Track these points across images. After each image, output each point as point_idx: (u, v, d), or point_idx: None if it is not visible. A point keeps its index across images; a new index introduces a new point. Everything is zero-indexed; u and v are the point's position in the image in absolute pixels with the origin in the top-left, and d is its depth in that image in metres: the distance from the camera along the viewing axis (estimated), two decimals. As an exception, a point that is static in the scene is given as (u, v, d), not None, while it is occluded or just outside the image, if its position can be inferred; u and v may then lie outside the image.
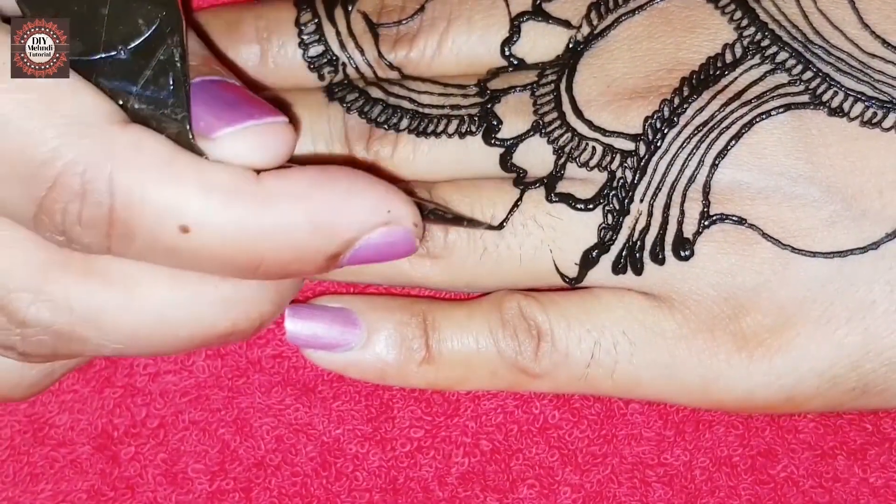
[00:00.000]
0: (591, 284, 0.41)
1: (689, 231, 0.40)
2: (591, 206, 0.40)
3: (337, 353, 0.41)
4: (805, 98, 0.40)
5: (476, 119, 0.42)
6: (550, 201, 0.40)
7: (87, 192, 0.33)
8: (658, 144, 0.40)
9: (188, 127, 0.34)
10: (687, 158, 0.40)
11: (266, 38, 0.43)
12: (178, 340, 0.37)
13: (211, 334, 0.37)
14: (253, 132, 0.34)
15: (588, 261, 0.40)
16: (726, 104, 0.40)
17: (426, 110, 0.42)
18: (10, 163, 0.33)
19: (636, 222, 0.40)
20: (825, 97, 0.40)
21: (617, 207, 0.40)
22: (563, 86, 0.41)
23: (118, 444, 0.42)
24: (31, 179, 0.33)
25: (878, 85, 0.39)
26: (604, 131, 0.40)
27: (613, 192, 0.40)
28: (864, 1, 0.40)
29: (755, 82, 0.40)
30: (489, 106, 0.42)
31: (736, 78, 0.40)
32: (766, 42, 0.40)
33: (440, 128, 0.42)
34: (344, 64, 0.43)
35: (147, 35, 0.34)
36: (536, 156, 0.41)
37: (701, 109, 0.40)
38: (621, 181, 0.40)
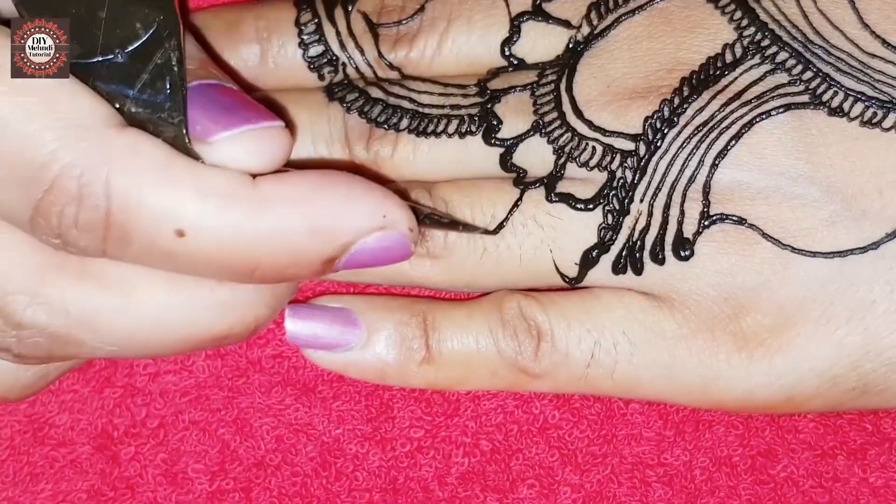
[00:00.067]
0: (591, 284, 0.41)
1: (689, 231, 0.40)
2: (591, 206, 0.40)
3: (337, 353, 0.41)
4: (805, 98, 0.40)
5: (476, 119, 0.42)
6: (550, 201, 0.40)
7: (83, 196, 0.33)
8: (658, 144, 0.40)
9: (185, 131, 0.34)
10: (687, 158, 0.40)
11: (266, 38, 0.43)
12: (173, 343, 0.37)
13: (206, 337, 0.37)
14: (249, 136, 0.34)
15: (588, 261, 0.40)
16: (726, 104, 0.40)
17: (426, 110, 0.42)
18: (7, 165, 0.33)
19: (636, 222, 0.40)
20: (825, 97, 0.40)
21: (617, 207, 0.40)
22: (563, 86, 0.41)
23: (118, 444, 0.42)
24: (29, 182, 0.33)
25: (878, 85, 0.39)
26: (604, 131, 0.40)
27: (613, 192, 0.40)
28: (864, 1, 0.40)
29: (755, 82, 0.40)
30: (489, 106, 0.42)
31: (736, 78, 0.40)
32: (766, 42, 0.40)
33: (440, 128, 0.42)
34: (344, 64, 0.43)
35: (144, 39, 0.34)
36: (536, 156, 0.41)
37: (701, 109, 0.40)
38: (621, 181, 0.40)
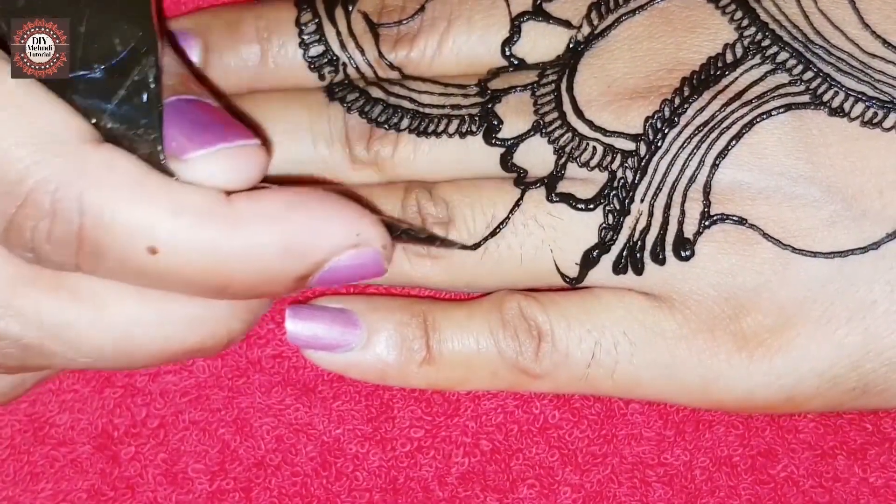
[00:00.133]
0: (591, 284, 0.41)
1: (689, 231, 0.40)
2: (591, 206, 0.40)
3: (337, 353, 0.41)
4: (805, 98, 0.40)
5: (477, 119, 0.42)
6: (551, 201, 0.40)
7: (57, 211, 0.33)
8: (659, 144, 0.40)
9: (160, 148, 0.34)
10: (687, 158, 0.40)
11: (266, 38, 0.43)
12: (145, 356, 0.37)
13: (178, 351, 0.37)
14: (224, 155, 0.35)
15: (589, 261, 0.40)
16: (727, 104, 0.40)
17: (427, 110, 0.42)
18: None
19: (637, 222, 0.40)
20: (826, 97, 0.40)
21: (617, 207, 0.40)
22: (563, 86, 0.41)
23: (118, 444, 0.42)
24: (2, 196, 0.33)
25: (879, 85, 0.39)
26: (604, 131, 0.40)
27: (614, 192, 0.40)
28: (865, 1, 0.40)
29: (756, 82, 0.40)
30: (490, 106, 0.42)
31: (736, 78, 0.40)
32: (766, 42, 0.40)
33: (441, 128, 0.42)
34: (344, 64, 0.43)
35: (122, 55, 0.35)
36: (537, 156, 0.41)
37: (701, 109, 0.40)
38: (622, 181, 0.40)
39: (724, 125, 0.40)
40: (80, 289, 0.36)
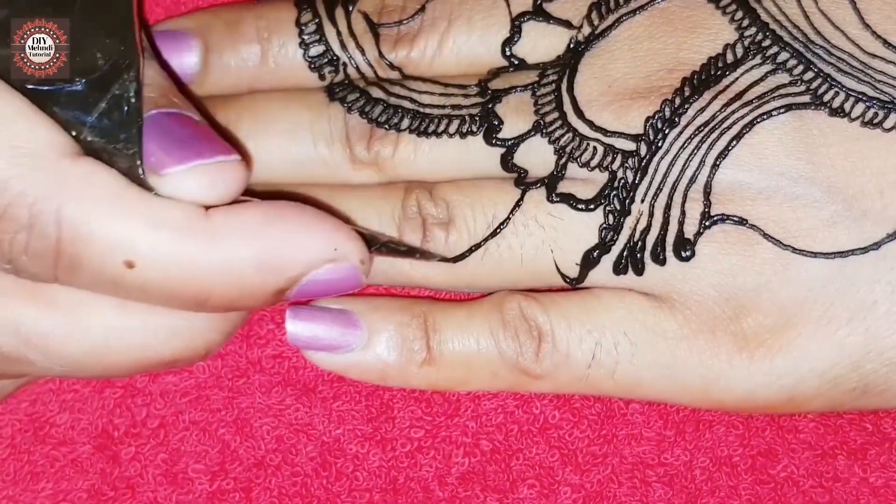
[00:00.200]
0: (591, 285, 0.41)
1: (690, 231, 0.40)
2: (592, 207, 0.40)
3: (338, 354, 0.41)
4: (806, 98, 0.40)
5: (477, 119, 0.42)
6: (551, 201, 0.40)
7: (34, 224, 0.33)
8: (659, 145, 0.40)
9: (138, 162, 0.35)
10: (688, 159, 0.40)
11: (266, 38, 0.43)
12: (123, 366, 0.37)
13: (155, 361, 0.37)
14: (202, 171, 0.35)
15: (589, 261, 0.40)
16: (727, 104, 0.40)
17: (427, 110, 0.42)
18: None
19: (637, 223, 0.40)
20: (826, 97, 0.39)
21: (618, 208, 0.40)
22: (564, 86, 0.41)
23: (118, 444, 0.42)
24: None
25: (879, 85, 0.39)
26: (605, 131, 0.40)
27: (614, 193, 0.40)
28: (865, 1, 0.40)
29: (756, 82, 0.40)
30: (490, 106, 0.42)
31: (737, 78, 0.40)
32: (767, 42, 0.40)
33: (441, 128, 0.42)
34: (345, 64, 0.43)
35: (104, 69, 0.35)
36: (537, 156, 0.41)
37: (702, 110, 0.40)
38: (622, 181, 0.40)
39: (724, 125, 0.40)
40: (58, 298, 0.36)
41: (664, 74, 0.40)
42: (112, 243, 0.34)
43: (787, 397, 0.40)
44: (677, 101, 0.40)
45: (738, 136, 0.39)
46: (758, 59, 0.40)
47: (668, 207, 0.40)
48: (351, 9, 0.43)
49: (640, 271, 0.40)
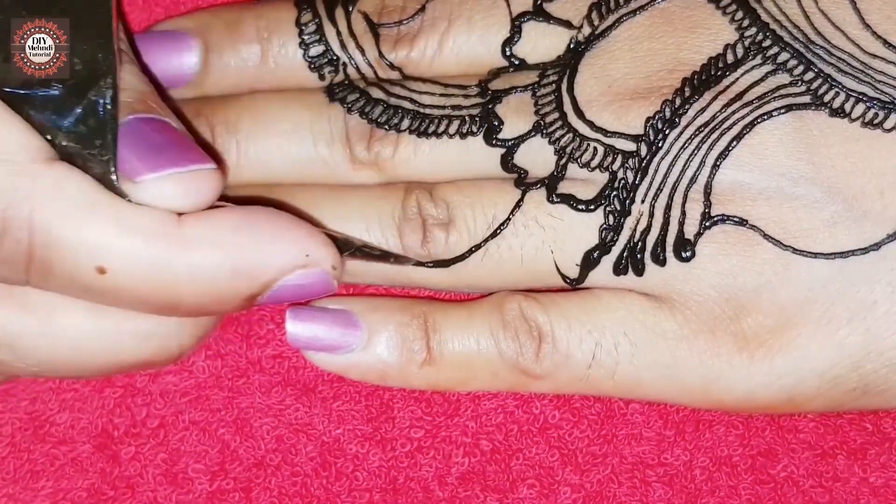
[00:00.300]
0: (592, 285, 0.41)
1: (690, 232, 0.40)
2: (592, 207, 0.40)
3: (338, 354, 0.41)
4: (806, 99, 0.40)
5: (477, 119, 0.42)
6: (552, 202, 0.40)
7: (6, 229, 0.33)
8: (659, 145, 0.40)
9: (112, 169, 0.35)
10: (688, 159, 0.40)
11: (266, 38, 0.43)
12: (95, 368, 0.38)
13: (128, 364, 0.38)
14: (176, 179, 0.35)
15: (589, 261, 0.40)
16: (728, 105, 0.40)
17: (427, 111, 0.42)
18: None
19: (637, 223, 0.40)
20: (826, 98, 0.39)
21: (618, 208, 0.40)
22: (564, 86, 0.41)
23: (118, 444, 0.42)
24: None
25: (880, 86, 0.39)
26: (605, 132, 0.40)
27: (615, 193, 0.40)
28: (866, 1, 0.40)
29: (756, 83, 0.40)
30: (490, 106, 0.42)
31: (737, 78, 0.40)
32: (767, 42, 0.40)
33: (441, 128, 0.42)
34: (345, 64, 0.43)
35: (81, 74, 0.35)
36: (538, 156, 0.41)
37: (702, 110, 0.40)
38: (622, 182, 0.40)
39: (724, 126, 0.40)
40: (30, 301, 0.36)
41: (664, 75, 0.40)
42: (84, 249, 0.34)
43: (787, 397, 0.40)
44: (677, 101, 0.40)
45: (739, 137, 0.39)
46: (758, 60, 0.40)
47: (668, 208, 0.40)
48: (351, 9, 0.43)
49: (640, 272, 0.40)
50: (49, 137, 0.34)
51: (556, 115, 0.41)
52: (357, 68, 0.43)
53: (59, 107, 0.35)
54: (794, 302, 0.39)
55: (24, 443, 0.42)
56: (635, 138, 0.40)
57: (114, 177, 0.35)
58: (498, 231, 0.41)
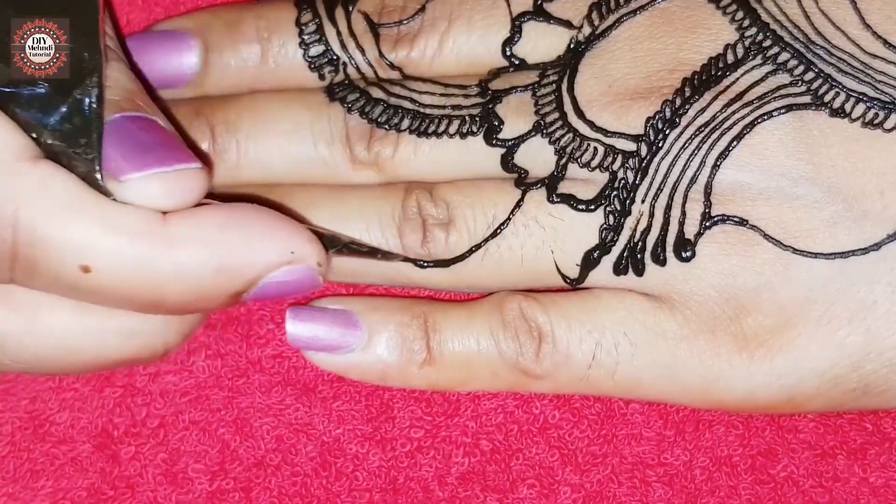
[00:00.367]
0: (592, 285, 0.41)
1: (690, 232, 0.40)
2: (592, 207, 0.40)
3: (338, 354, 0.41)
4: (806, 99, 0.40)
5: (477, 119, 0.42)
6: (552, 202, 0.40)
7: None
8: (660, 145, 0.40)
9: (97, 167, 0.35)
10: (688, 159, 0.40)
11: (266, 38, 0.43)
12: (81, 365, 0.38)
13: (114, 361, 0.38)
14: (161, 178, 0.35)
15: (589, 261, 0.40)
16: (728, 105, 0.40)
17: (427, 111, 0.42)
18: None
19: (637, 223, 0.40)
20: (827, 98, 0.39)
21: (618, 208, 0.40)
22: (564, 86, 0.41)
23: (118, 444, 0.42)
24: None
25: (880, 86, 0.39)
26: (605, 132, 0.40)
27: (615, 193, 0.40)
28: (866, 1, 0.40)
29: (757, 83, 0.40)
30: (490, 106, 0.42)
31: (737, 78, 0.40)
32: (767, 42, 0.40)
33: (441, 128, 0.42)
34: (345, 64, 0.43)
35: (68, 73, 0.35)
36: (538, 156, 0.41)
37: (703, 110, 0.40)
38: (623, 182, 0.40)
39: (725, 126, 0.40)
40: (15, 298, 0.36)
41: (665, 75, 0.40)
42: (68, 248, 0.34)
43: (787, 397, 0.40)
44: (678, 101, 0.40)
45: (739, 137, 0.39)
46: (758, 60, 0.40)
47: (668, 208, 0.40)
48: (351, 9, 0.43)
49: (640, 272, 0.40)
50: (34, 136, 0.34)
51: (556, 114, 0.41)
52: (357, 68, 0.43)
53: (45, 105, 0.35)
54: (794, 302, 0.39)
55: (24, 442, 0.42)
56: (635, 138, 0.40)
57: (98, 175, 0.35)
58: (498, 231, 0.41)
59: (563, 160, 0.41)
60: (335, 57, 0.43)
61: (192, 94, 0.44)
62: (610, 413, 0.42)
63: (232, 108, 0.43)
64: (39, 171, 0.34)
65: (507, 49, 0.43)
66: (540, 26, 0.42)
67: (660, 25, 0.41)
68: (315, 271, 0.37)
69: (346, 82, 0.43)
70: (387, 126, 0.42)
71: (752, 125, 0.39)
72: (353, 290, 0.43)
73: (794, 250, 0.39)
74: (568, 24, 0.42)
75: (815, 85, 0.40)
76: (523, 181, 0.41)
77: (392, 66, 0.43)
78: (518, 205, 0.41)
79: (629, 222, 0.40)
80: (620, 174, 0.40)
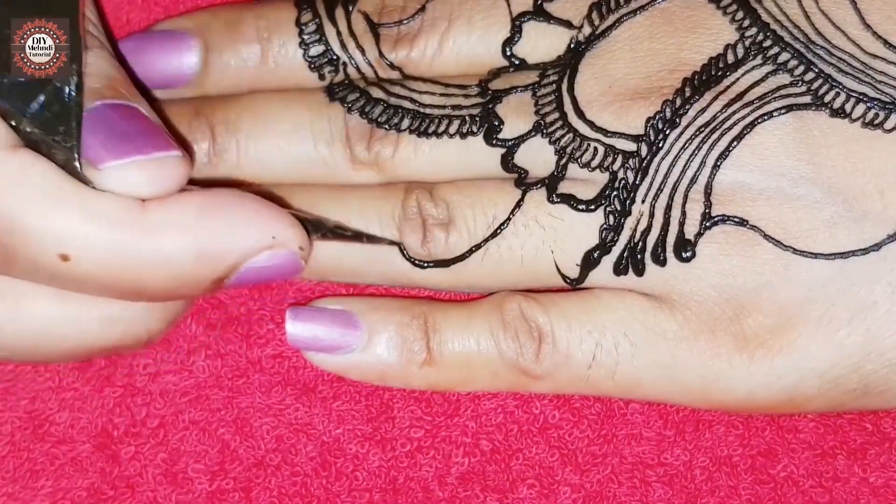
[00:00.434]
0: (592, 285, 0.41)
1: (690, 232, 0.40)
2: (592, 207, 0.40)
3: (338, 355, 0.41)
4: (807, 99, 0.40)
5: (477, 119, 0.42)
6: (552, 202, 0.40)
7: None
8: (660, 145, 0.40)
9: (76, 155, 0.35)
10: (689, 159, 0.40)
11: (266, 38, 0.43)
12: (63, 353, 0.38)
13: (97, 349, 0.38)
14: (140, 166, 0.35)
15: (589, 262, 0.40)
16: (728, 105, 0.40)
17: (427, 111, 0.42)
18: None
19: (637, 223, 0.40)
20: (827, 98, 0.39)
21: (618, 208, 0.40)
22: (564, 86, 0.41)
23: (118, 444, 0.42)
24: None
25: (880, 86, 0.39)
26: (605, 132, 0.40)
27: (615, 193, 0.40)
28: (866, 1, 0.40)
29: (757, 83, 0.40)
30: (490, 106, 0.42)
31: (738, 79, 0.40)
32: (767, 42, 0.40)
33: (441, 128, 0.42)
34: (345, 64, 0.43)
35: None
36: (538, 156, 0.41)
37: (703, 110, 0.40)
38: (623, 182, 0.40)
39: (725, 126, 0.40)
40: None
41: (665, 75, 0.40)
42: (46, 237, 0.34)
43: (787, 398, 0.40)
44: (678, 101, 0.40)
45: (739, 137, 0.39)
46: (758, 60, 0.40)
47: (668, 208, 0.40)
48: (351, 9, 0.43)
49: (640, 272, 0.40)
50: (13, 124, 0.34)
51: (556, 115, 0.41)
52: (357, 68, 0.43)
53: (24, 93, 0.34)
54: (794, 302, 0.39)
55: (24, 442, 0.42)
56: (636, 138, 0.40)
57: (77, 164, 0.35)
58: (498, 231, 0.41)
59: (564, 160, 0.41)
60: (335, 57, 0.43)
61: (192, 94, 0.44)
62: (610, 413, 0.42)
63: (232, 108, 0.43)
64: (18, 159, 0.34)
65: (507, 49, 0.43)
66: (540, 26, 0.42)
67: (660, 25, 0.41)
68: (297, 255, 0.37)
69: (346, 82, 0.43)
70: (387, 126, 0.42)
71: (752, 125, 0.39)
72: (353, 290, 0.43)
73: (795, 250, 0.39)
74: (568, 24, 0.42)
75: (816, 85, 0.40)
76: (523, 181, 0.41)
77: (392, 66, 0.43)
78: (518, 205, 0.41)
79: (629, 222, 0.40)
80: (620, 174, 0.40)
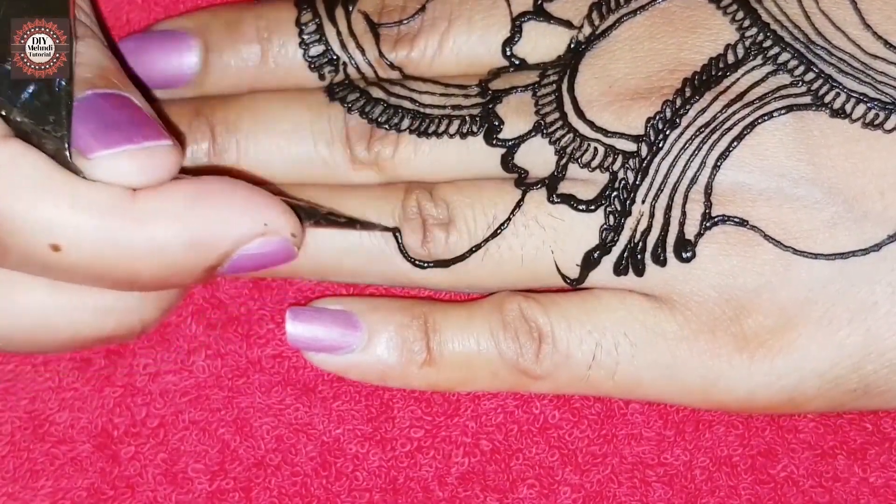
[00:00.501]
0: (592, 285, 0.41)
1: (690, 232, 0.40)
2: (592, 207, 0.40)
3: (338, 355, 0.41)
4: (807, 99, 0.40)
5: (477, 119, 0.42)
6: (552, 202, 0.40)
7: None
8: (660, 145, 0.40)
9: (66, 145, 0.35)
10: (689, 160, 0.40)
11: (266, 37, 0.43)
12: (57, 343, 0.38)
13: (91, 339, 0.38)
14: (130, 156, 0.35)
15: (589, 262, 0.40)
16: (728, 105, 0.40)
17: (427, 110, 0.42)
18: None
19: (638, 223, 0.40)
20: (827, 98, 0.39)
21: (618, 208, 0.40)
22: (564, 86, 0.41)
23: (118, 444, 0.42)
24: None
25: (880, 86, 0.39)
26: (605, 132, 0.40)
27: (615, 193, 0.40)
28: (866, 1, 0.40)
29: (757, 83, 0.40)
30: (490, 106, 0.42)
31: (738, 79, 0.40)
32: (768, 43, 0.40)
33: (441, 128, 0.42)
34: (345, 64, 0.43)
35: None
36: (538, 156, 0.41)
37: (703, 110, 0.40)
38: (623, 182, 0.40)
39: (725, 126, 0.40)
40: None
41: (665, 75, 0.40)
42: (37, 227, 0.34)
43: (787, 398, 0.40)
44: (678, 101, 0.40)
45: (739, 137, 0.39)
46: (759, 60, 0.40)
47: (668, 208, 0.40)
48: (351, 9, 0.43)
49: (640, 272, 0.40)
50: (3, 113, 0.34)
51: (556, 115, 0.41)
52: (357, 68, 0.43)
53: (14, 83, 0.34)
54: (794, 302, 0.39)
55: (24, 442, 0.42)
56: (636, 139, 0.40)
57: (67, 153, 0.35)
58: (498, 231, 0.41)
59: (564, 160, 0.41)
60: (335, 57, 0.43)
61: (192, 94, 0.44)
62: (610, 413, 0.42)
63: (232, 108, 0.43)
64: (9, 149, 0.34)
65: (508, 49, 0.43)
66: (540, 26, 0.42)
67: (660, 25, 0.41)
68: (290, 242, 0.37)
69: (346, 82, 0.43)
70: (387, 126, 0.42)
71: (752, 126, 0.39)
72: (353, 290, 0.43)
73: (795, 251, 0.39)
74: (568, 24, 0.42)
75: (816, 85, 0.40)
76: (523, 181, 0.41)
77: (392, 65, 0.43)
78: (518, 205, 0.41)
79: (629, 222, 0.40)
80: (621, 174, 0.40)
